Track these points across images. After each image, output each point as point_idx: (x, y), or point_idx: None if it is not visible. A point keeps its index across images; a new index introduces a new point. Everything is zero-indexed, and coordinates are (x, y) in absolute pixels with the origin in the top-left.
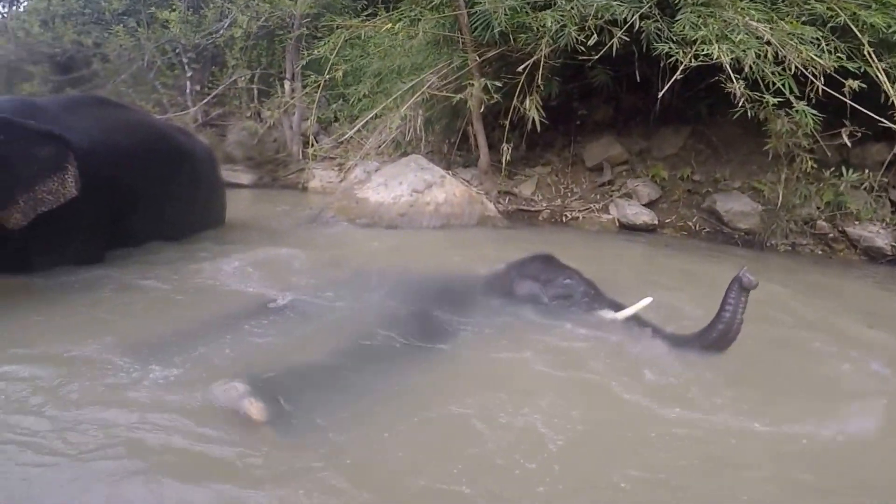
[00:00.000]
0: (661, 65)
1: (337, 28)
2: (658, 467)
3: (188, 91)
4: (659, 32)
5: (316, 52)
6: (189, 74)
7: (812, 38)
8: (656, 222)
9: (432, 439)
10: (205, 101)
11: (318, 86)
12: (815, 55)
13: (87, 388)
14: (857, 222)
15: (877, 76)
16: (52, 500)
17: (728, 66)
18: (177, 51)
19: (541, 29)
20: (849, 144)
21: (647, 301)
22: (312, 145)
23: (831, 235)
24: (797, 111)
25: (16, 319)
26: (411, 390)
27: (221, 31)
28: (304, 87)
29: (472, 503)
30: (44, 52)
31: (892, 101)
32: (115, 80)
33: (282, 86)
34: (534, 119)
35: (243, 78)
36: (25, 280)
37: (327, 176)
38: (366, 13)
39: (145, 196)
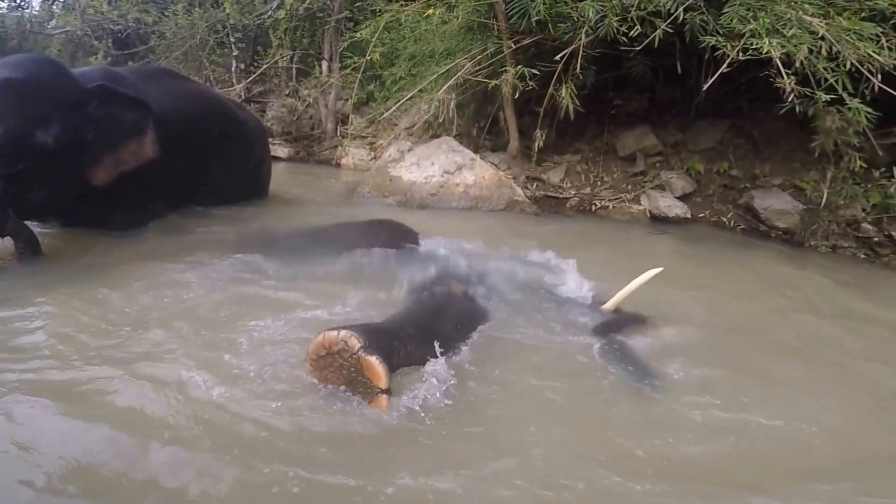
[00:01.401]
0: (706, 57)
1: (379, 13)
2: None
3: (233, 69)
4: (704, 25)
5: (358, 34)
6: (235, 53)
7: (871, 34)
8: (689, 216)
9: None
10: (250, 78)
11: (358, 68)
12: (874, 52)
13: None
14: None
15: None
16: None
17: (778, 61)
18: (226, 30)
19: (580, 19)
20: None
21: (655, 271)
22: (352, 124)
23: (876, 239)
24: (849, 108)
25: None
26: None
27: (270, 13)
28: (342, 68)
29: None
30: (108, 29)
31: None
32: (169, 57)
33: (320, 66)
34: (567, 107)
35: (284, 58)
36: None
37: (359, 154)
38: None
39: (205, 161)
